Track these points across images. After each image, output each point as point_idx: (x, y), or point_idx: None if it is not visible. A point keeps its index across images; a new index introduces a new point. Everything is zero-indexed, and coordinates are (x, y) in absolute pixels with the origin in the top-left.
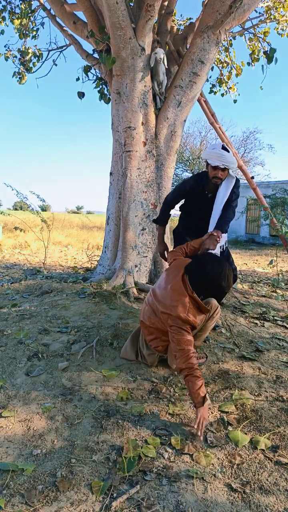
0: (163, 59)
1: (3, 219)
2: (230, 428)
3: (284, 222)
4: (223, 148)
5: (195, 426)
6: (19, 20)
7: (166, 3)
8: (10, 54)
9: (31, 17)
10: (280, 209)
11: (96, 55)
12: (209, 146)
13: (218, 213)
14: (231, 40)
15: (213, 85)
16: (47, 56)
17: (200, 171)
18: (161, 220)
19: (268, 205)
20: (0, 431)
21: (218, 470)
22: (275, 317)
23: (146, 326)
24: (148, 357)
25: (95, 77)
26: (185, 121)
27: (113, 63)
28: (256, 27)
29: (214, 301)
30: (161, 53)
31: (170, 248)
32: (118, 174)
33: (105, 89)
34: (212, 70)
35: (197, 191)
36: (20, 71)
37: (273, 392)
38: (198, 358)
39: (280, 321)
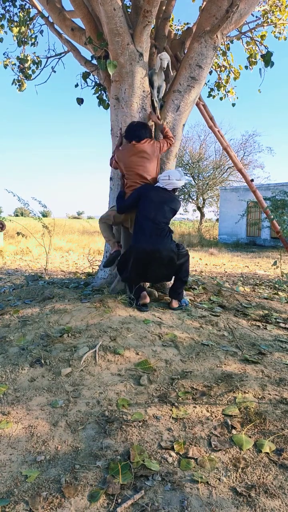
0: (167, 66)
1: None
2: (234, 431)
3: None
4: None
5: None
6: (18, 28)
7: (163, 9)
8: (9, 61)
9: (29, 25)
10: (281, 212)
11: (94, 62)
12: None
13: None
14: (228, 44)
15: (212, 89)
16: (46, 63)
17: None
18: None
19: (269, 208)
20: (4, 437)
21: (222, 474)
22: (277, 319)
23: None
24: None
25: (93, 83)
26: (184, 125)
27: (115, 68)
28: (253, 30)
29: None
30: (165, 61)
31: None
32: (118, 179)
33: (104, 95)
34: (210, 74)
35: None
36: (19, 78)
37: (276, 394)
38: None
39: (283, 323)
